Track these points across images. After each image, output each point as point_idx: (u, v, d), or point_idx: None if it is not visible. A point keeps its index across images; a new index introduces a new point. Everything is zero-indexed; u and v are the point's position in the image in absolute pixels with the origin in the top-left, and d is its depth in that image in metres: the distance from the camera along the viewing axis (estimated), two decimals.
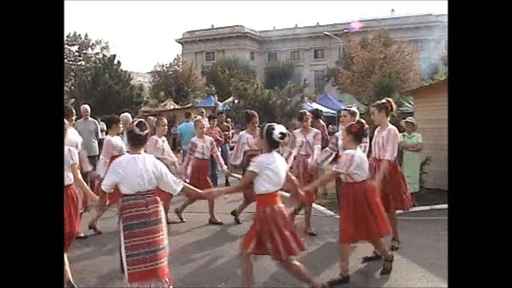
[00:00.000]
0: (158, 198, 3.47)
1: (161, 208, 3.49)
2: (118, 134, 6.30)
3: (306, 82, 31.00)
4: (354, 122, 4.38)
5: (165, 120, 6.74)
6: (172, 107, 26.56)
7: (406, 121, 7.74)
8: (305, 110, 6.98)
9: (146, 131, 3.48)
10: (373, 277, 4.31)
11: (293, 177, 3.97)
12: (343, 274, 4.10)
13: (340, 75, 32.69)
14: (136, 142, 3.47)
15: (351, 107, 5.91)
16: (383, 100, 5.00)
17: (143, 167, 3.35)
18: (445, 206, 6.63)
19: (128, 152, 3.73)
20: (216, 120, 9.51)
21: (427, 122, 8.63)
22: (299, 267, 3.66)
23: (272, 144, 3.69)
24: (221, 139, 8.99)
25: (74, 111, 6.02)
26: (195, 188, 4.04)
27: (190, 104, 26.96)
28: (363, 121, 4.51)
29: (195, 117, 9.55)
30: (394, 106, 5.06)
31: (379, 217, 4.09)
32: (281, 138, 3.67)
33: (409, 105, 13.50)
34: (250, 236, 3.65)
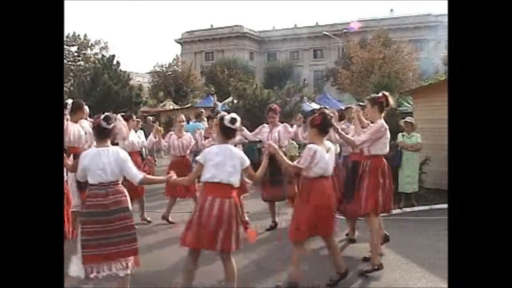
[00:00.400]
0: (122, 189, 3.60)
1: (125, 198, 3.58)
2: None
3: (305, 82, 31.03)
4: (316, 114, 4.02)
5: (183, 116, 7.00)
6: (171, 107, 26.51)
7: (405, 121, 7.75)
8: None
9: (112, 125, 3.65)
10: (373, 277, 4.31)
11: (253, 172, 3.74)
12: (339, 272, 4.08)
13: (339, 75, 32.68)
14: (102, 135, 3.64)
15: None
16: (379, 94, 4.60)
17: (107, 160, 3.51)
18: (445, 206, 6.64)
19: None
20: (215, 120, 9.53)
21: (426, 122, 8.64)
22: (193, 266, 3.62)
23: (224, 133, 3.65)
24: None
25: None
26: (154, 177, 4.14)
27: (189, 104, 26.91)
28: (326, 111, 4.13)
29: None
30: (391, 102, 4.66)
31: (330, 217, 4.01)
32: (231, 122, 3.63)
33: (408, 105, 13.49)
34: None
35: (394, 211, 7.02)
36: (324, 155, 3.85)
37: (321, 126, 3.91)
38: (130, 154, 6.26)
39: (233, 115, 3.70)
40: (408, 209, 7.21)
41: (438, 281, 4.09)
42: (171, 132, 6.87)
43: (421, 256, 4.85)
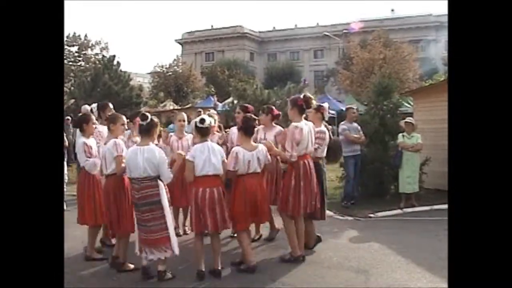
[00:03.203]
0: (154, 183, 4.07)
1: (155, 192, 4.06)
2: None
3: (306, 82, 31.00)
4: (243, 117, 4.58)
5: (184, 115, 6.68)
6: (171, 107, 26.49)
7: (406, 122, 7.73)
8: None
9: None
10: (373, 277, 4.31)
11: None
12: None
13: (339, 76, 32.68)
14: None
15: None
16: (299, 96, 4.72)
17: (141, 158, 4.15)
18: (445, 206, 6.63)
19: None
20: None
21: (427, 122, 8.63)
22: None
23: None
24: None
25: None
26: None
27: (189, 105, 26.92)
28: (250, 114, 4.60)
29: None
30: (313, 104, 4.73)
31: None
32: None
33: (409, 106, 13.49)
34: None
35: (394, 212, 7.09)
36: (245, 155, 4.28)
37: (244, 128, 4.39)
38: None
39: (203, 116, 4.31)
40: (408, 210, 7.20)
41: (438, 281, 4.09)
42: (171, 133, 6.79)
43: (421, 256, 4.85)
